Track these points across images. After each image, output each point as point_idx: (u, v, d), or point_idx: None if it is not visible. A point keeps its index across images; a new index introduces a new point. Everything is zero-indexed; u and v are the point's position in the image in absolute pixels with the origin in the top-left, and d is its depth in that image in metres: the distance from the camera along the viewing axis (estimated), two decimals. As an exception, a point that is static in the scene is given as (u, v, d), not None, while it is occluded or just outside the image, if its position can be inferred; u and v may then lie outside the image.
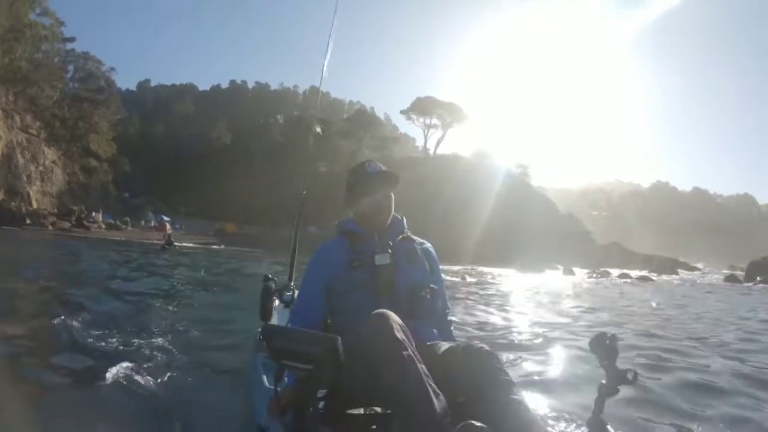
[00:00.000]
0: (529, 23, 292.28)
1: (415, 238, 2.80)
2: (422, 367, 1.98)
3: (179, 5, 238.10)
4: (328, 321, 2.67)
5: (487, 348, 2.20)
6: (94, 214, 50.03)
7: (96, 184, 60.79)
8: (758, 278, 29.00)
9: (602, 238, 78.13)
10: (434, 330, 2.53)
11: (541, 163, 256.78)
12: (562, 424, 3.38)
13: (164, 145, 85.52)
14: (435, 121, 75.63)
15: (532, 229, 53.09)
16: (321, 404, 2.12)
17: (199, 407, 3.47)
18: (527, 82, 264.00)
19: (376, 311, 2.14)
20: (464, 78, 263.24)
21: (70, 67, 64.07)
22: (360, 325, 2.21)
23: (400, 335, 2.03)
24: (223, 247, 41.76)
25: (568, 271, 37.05)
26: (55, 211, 47.92)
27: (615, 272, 38.15)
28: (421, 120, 75.41)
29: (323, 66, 5.47)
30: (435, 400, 1.91)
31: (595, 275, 35.38)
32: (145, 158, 77.05)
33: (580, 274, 36.95)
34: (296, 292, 3.83)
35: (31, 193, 48.93)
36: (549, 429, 2.21)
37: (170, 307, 7.81)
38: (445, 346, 2.33)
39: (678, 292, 21.99)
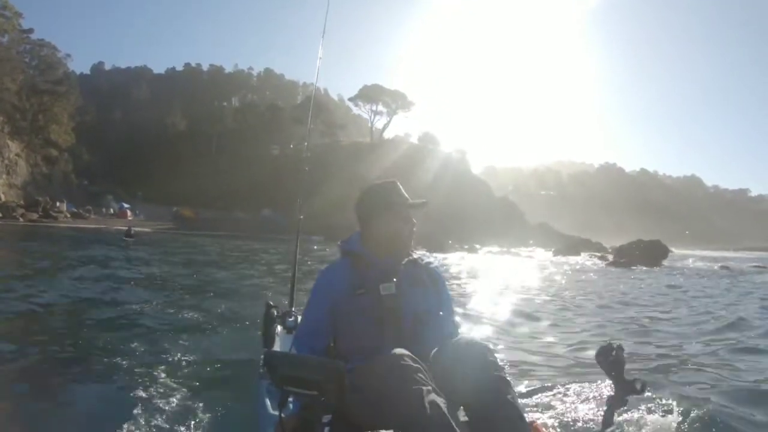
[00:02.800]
0: (480, 6, 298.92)
1: (421, 260, 2.77)
2: (441, 400, 2.01)
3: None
4: (331, 344, 2.68)
5: (483, 342, 2.35)
6: (58, 204, 53.89)
7: (58, 174, 64.55)
8: (622, 260, 35.18)
9: (542, 217, 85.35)
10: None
11: (493, 142, 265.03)
12: None
13: (121, 132, 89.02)
14: (381, 108, 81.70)
15: (467, 212, 59.48)
16: (326, 430, 2.16)
17: None
18: (482, 66, 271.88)
19: (393, 353, 2.16)
20: (416, 63, 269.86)
21: (30, 59, 66.90)
22: (363, 352, 2.43)
23: (418, 375, 2.06)
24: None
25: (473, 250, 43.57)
26: (22, 202, 51.52)
27: (523, 251, 45.36)
28: (368, 107, 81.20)
29: (316, 70, 5.53)
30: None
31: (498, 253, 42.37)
32: (102, 145, 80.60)
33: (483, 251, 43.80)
34: (298, 317, 3.89)
35: None
36: None
37: (162, 325, 6.83)
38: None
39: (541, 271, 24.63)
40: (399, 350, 2.17)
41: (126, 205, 62.72)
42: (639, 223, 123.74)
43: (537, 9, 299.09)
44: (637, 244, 38.24)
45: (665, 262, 36.52)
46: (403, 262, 2.67)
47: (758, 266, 34.46)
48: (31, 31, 67.07)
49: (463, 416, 2.30)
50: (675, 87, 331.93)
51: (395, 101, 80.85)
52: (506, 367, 2.38)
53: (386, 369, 2.11)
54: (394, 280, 2.58)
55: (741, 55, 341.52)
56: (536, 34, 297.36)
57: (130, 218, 52.88)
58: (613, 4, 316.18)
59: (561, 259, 39.29)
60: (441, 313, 2.67)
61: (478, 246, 46.54)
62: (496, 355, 2.31)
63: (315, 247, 28.96)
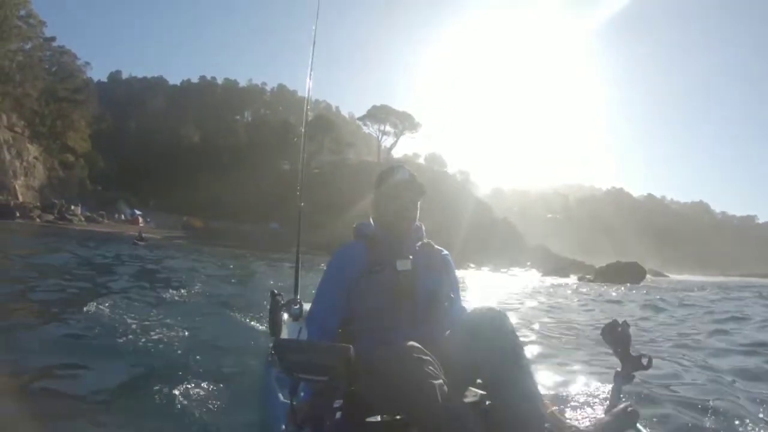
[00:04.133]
0: (491, 28, 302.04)
1: (434, 245, 2.87)
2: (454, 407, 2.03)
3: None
4: (339, 330, 2.68)
5: (498, 309, 2.38)
6: (73, 207, 56.36)
7: (74, 179, 66.98)
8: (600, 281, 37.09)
9: (547, 239, 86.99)
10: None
11: (501, 164, 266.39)
12: (580, 413, 3.39)
13: (135, 141, 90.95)
14: (388, 128, 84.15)
15: (467, 232, 61.11)
16: (338, 414, 2.16)
17: (214, 425, 3.34)
18: (492, 89, 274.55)
19: (406, 345, 2.16)
20: (426, 84, 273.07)
21: (50, 66, 69.51)
22: (377, 329, 2.50)
23: (429, 368, 2.07)
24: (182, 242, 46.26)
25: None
26: (38, 204, 54.11)
27: (517, 271, 47.18)
28: (376, 126, 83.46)
29: (307, 81, 5.74)
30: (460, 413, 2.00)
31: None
32: (116, 153, 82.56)
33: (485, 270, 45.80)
34: (304, 305, 4.01)
35: (17, 187, 55.43)
36: (566, 419, 2.22)
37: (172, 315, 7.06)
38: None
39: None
40: (412, 342, 2.18)
41: (138, 212, 64.87)
42: (642, 247, 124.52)
43: (545, 31, 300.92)
44: (615, 266, 40.47)
45: (644, 282, 38.61)
46: (418, 245, 2.80)
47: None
48: (53, 39, 70.32)
49: (471, 397, 2.43)
50: (686, 113, 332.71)
51: (402, 122, 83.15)
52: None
53: (399, 360, 2.10)
54: (410, 257, 2.68)
55: (753, 81, 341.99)
56: (547, 57, 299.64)
57: (141, 225, 54.86)
58: (620, 27, 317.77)
59: (547, 278, 41.14)
60: (452, 295, 2.79)
61: (472, 265, 48.23)
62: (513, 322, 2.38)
63: (322, 266, 30.03)
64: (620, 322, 2.04)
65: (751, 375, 5.50)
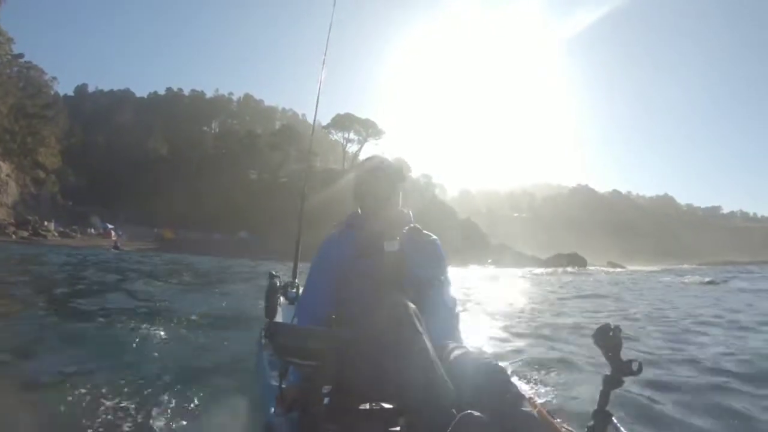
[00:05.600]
0: (454, 31, 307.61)
1: (422, 230, 2.82)
2: (436, 360, 2.06)
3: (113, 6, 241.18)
4: (333, 316, 2.47)
5: (495, 362, 2.19)
6: (46, 223, 57.92)
7: (45, 195, 68.57)
8: (560, 269, 42.04)
9: (515, 237, 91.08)
10: (442, 326, 2.54)
11: (469, 167, 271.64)
12: (567, 417, 3.15)
13: (104, 155, 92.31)
14: (353, 135, 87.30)
15: (432, 232, 64.29)
16: (326, 400, 2.15)
17: (206, 405, 3.55)
18: (458, 91, 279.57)
19: (393, 305, 2.20)
20: (391, 90, 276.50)
21: (17, 80, 70.85)
22: (367, 313, 2.39)
23: (416, 327, 2.12)
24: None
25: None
26: (13, 221, 55.62)
27: (475, 268, 50.77)
28: (341, 134, 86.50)
29: (316, 99, 5.97)
30: (447, 391, 2.00)
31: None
32: (86, 167, 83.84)
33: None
34: (301, 288, 3.99)
35: None
36: (554, 420, 2.19)
37: (164, 307, 8.02)
38: (454, 352, 2.32)
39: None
40: (402, 302, 2.23)
41: (110, 226, 66.45)
42: (607, 242, 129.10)
43: (510, 33, 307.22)
44: (559, 256, 45.17)
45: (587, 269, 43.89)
46: (405, 229, 2.77)
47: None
48: (21, 56, 71.73)
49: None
50: (649, 109, 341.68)
51: (366, 129, 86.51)
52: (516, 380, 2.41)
53: (388, 319, 2.16)
54: (398, 238, 2.68)
55: (713, 76, 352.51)
56: (511, 60, 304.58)
57: (114, 238, 56.57)
58: (585, 32, 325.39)
59: (499, 269, 45.54)
60: (443, 279, 2.74)
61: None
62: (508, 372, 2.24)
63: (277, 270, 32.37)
64: (612, 327, 2.01)
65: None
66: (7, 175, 62.35)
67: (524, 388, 4.05)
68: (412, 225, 2.82)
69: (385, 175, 2.76)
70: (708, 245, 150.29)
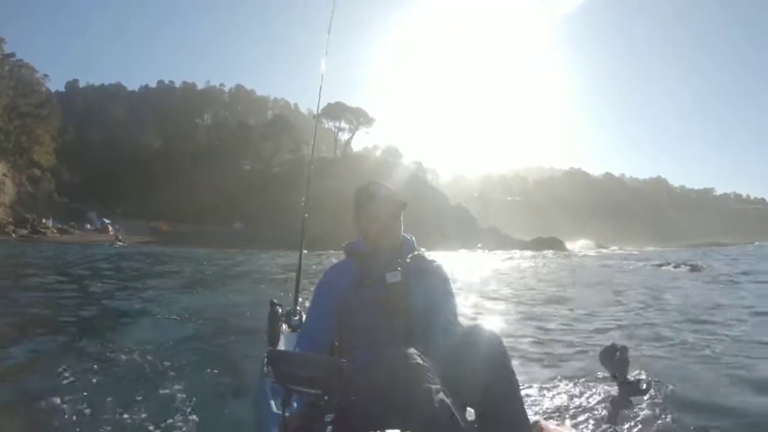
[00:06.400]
0: (445, 16, 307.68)
1: (426, 257, 2.86)
2: (448, 401, 2.02)
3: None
4: (336, 343, 2.72)
5: (493, 331, 2.31)
6: (44, 221, 59.14)
7: (42, 193, 69.69)
8: (544, 251, 44.90)
9: (507, 221, 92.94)
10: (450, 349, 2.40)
11: (462, 151, 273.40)
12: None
13: (98, 151, 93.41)
14: (344, 124, 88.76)
15: (421, 218, 65.46)
16: (329, 429, 2.15)
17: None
18: (450, 76, 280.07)
19: (401, 349, 2.20)
20: (382, 75, 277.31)
21: (8, 80, 70.99)
22: (370, 345, 2.44)
23: (422, 370, 2.10)
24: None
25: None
26: (11, 220, 56.83)
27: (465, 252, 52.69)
28: (332, 123, 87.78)
29: (318, 98, 5.78)
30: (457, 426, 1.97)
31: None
32: (80, 164, 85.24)
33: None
34: (303, 315, 3.93)
35: None
36: None
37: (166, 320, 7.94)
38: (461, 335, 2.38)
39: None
40: (407, 348, 2.22)
41: (107, 221, 67.18)
42: (600, 224, 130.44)
43: (502, 18, 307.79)
44: (538, 239, 48.29)
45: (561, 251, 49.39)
46: (409, 257, 2.78)
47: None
48: (12, 55, 72.22)
49: (470, 416, 2.36)
50: (642, 91, 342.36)
51: (357, 118, 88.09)
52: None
53: (393, 365, 2.14)
54: (399, 269, 2.67)
55: (705, 58, 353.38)
56: (502, 44, 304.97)
57: (111, 233, 57.56)
58: (578, 14, 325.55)
59: (486, 252, 48.22)
60: (449, 307, 2.71)
61: (423, 249, 52.94)
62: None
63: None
64: (618, 347, 1.99)
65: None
66: (4, 175, 63.39)
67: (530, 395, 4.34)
68: (415, 253, 2.84)
69: (386, 204, 2.72)
70: (700, 227, 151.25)
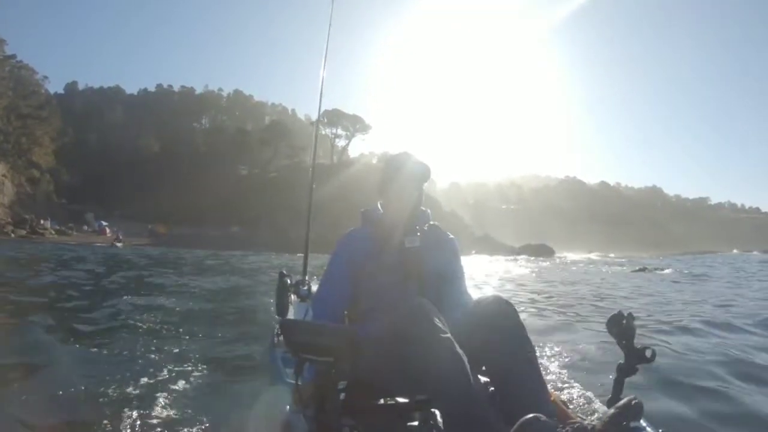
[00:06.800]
0: (443, 24, 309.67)
1: (442, 228, 2.91)
2: (460, 351, 2.06)
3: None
4: (346, 311, 2.73)
5: (505, 299, 2.37)
6: (43, 221, 59.65)
7: (41, 194, 70.11)
8: (527, 256, 46.60)
9: (503, 229, 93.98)
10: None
11: (459, 159, 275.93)
12: (581, 406, 3.40)
13: (96, 153, 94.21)
14: (340, 131, 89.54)
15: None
16: (342, 396, 2.21)
17: (221, 403, 3.58)
18: (448, 84, 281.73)
19: (415, 300, 2.23)
20: (379, 83, 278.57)
21: (8, 81, 71.25)
22: (387, 308, 2.44)
23: (437, 320, 2.11)
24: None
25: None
26: (10, 220, 57.19)
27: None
28: (329, 130, 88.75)
29: (319, 97, 5.92)
30: (473, 382, 2.02)
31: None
32: (79, 165, 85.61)
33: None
34: (312, 286, 4.13)
35: None
36: (568, 409, 2.30)
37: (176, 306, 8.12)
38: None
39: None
40: (422, 299, 2.24)
41: (105, 223, 67.88)
42: (595, 233, 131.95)
43: (499, 26, 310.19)
44: (528, 246, 50.08)
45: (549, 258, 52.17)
46: (426, 226, 2.83)
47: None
48: (13, 56, 72.75)
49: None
50: (638, 100, 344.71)
51: (353, 125, 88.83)
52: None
53: (411, 314, 2.15)
54: (419, 234, 2.73)
55: (702, 67, 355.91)
56: (499, 53, 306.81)
57: (109, 235, 58.23)
58: (572, 23, 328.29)
59: (479, 257, 49.95)
60: (460, 278, 2.80)
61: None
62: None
63: (273, 257, 33.59)
64: (625, 315, 2.02)
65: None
66: (3, 175, 63.89)
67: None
68: (431, 223, 2.89)
69: (413, 174, 2.76)
70: (695, 236, 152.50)
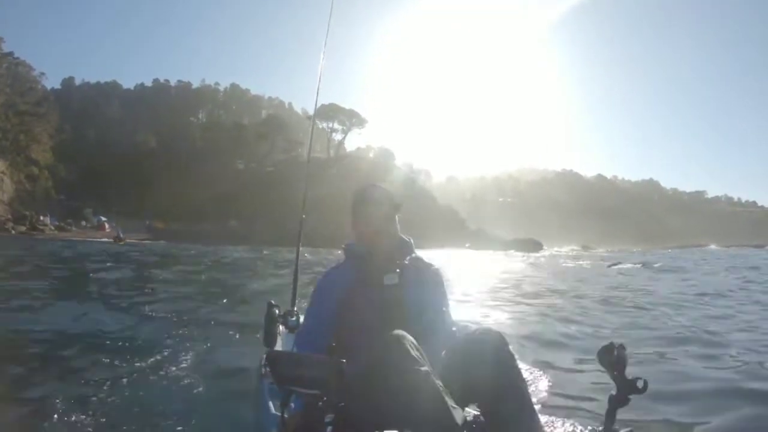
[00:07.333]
0: (439, 18, 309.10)
1: (424, 260, 2.91)
2: (439, 383, 2.07)
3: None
4: (333, 344, 2.70)
5: (497, 331, 2.37)
6: (42, 218, 60.65)
7: (39, 191, 71.34)
8: (513, 251, 47.93)
9: (499, 222, 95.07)
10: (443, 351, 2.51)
11: (456, 153, 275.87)
12: None
13: (94, 149, 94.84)
14: (337, 125, 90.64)
15: (410, 219, 67.41)
16: (329, 429, 2.15)
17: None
18: (444, 78, 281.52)
19: (391, 333, 2.19)
20: (376, 77, 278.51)
21: (5, 78, 72.61)
22: (367, 345, 2.37)
23: (414, 353, 2.10)
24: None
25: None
26: (10, 216, 58.30)
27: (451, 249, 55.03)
28: (325, 124, 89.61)
29: (315, 101, 5.67)
30: (454, 414, 2.01)
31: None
32: (77, 161, 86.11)
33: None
34: (300, 316, 3.97)
35: None
36: None
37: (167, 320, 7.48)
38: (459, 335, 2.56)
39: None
40: (399, 331, 2.21)
41: (103, 219, 68.87)
42: (590, 225, 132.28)
43: (496, 19, 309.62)
44: (516, 240, 52.47)
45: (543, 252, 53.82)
46: (407, 259, 2.84)
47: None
48: (11, 54, 73.58)
49: (469, 416, 2.36)
50: (635, 93, 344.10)
51: (349, 119, 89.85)
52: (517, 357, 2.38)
53: (386, 346, 2.16)
54: (397, 271, 2.74)
55: (700, 61, 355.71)
56: (496, 46, 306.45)
57: (107, 230, 59.24)
58: (571, 18, 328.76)
59: (472, 251, 52.04)
60: (444, 309, 2.78)
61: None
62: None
63: (265, 252, 34.78)
64: (616, 345, 2.01)
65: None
66: (2, 173, 64.98)
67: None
68: (413, 255, 2.89)
69: (379, 207, 2.77)
70: (691, 229, 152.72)
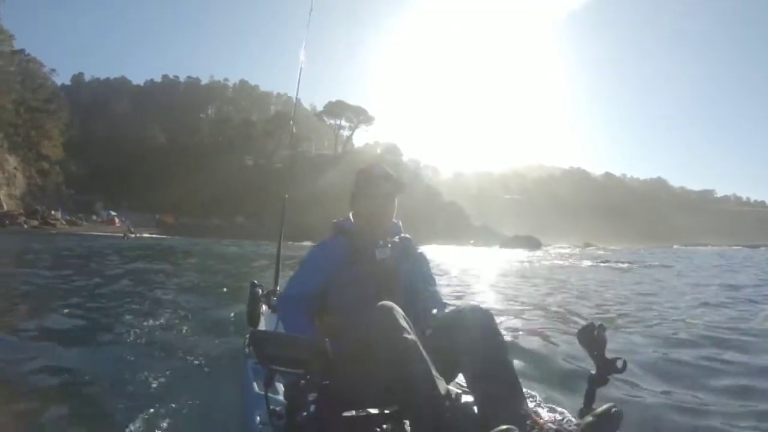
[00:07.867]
0: (450, 10, 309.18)
1: (411, 240, 2.94)
2: (425, 353, 2.09)
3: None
4: (325, 319, 2.67)
5: (484, 308, 2.41)
6: (53, 212, 61.22)
7: (51, 185, 72.24)
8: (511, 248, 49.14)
9: (505, 219, 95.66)
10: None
11: (464, 149, 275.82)
12: (553, 416, 2.88)
13: (104, 144, 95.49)
14: (344, 122, 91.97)
15: (415, 215, 67.74)
16: (312, 407, 2.17)
17: (190, 414, 3.43)
18: (454, 74, 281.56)
19: (381, 303, 2.23)
20: (384, 74, 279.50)
21: (17, 74, 72.40)
22: (363, 318, 2.32)
23: (402, 322, 2.14)
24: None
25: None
26: (22, 211, 58.74)
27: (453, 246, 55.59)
28: (333, 121, 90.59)
29: (296, 90, 5.82)
30: (438, 384, 2.03)
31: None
32: (87, 157, 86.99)
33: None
34: None
35: (1, 197, 60.68)
36: (539, 417, 2.12)
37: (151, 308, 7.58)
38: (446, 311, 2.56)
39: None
40: (388, 302, 2.24)
41: (113, 213, 70.15)
42: (596, 223, 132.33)
43: (504, 17, 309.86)
44: (517, 237, 53.15)
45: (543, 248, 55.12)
46: (396, 238, 2.89)
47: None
48: (22, 51, 73.91)
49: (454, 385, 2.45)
50: (645, 91, 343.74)
51: (357, 116, 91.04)
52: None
53: (376, 314, 2.19)
54: (389, 245, 2.79)
55: (708, 59, 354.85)
56: (506, 42, 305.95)
57: (118, 225, 60.14)
58: (579, 16, 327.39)
59: (474, 247, 52.71)
60: (434, 285, 2.83)
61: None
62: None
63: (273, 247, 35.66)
64: (596, 326, 2.02)
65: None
66: (15, 168, 65.89)
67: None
68: (402, 235, 2.94)
69: (385, 186, 2.80)
70: (699, 228, 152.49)
